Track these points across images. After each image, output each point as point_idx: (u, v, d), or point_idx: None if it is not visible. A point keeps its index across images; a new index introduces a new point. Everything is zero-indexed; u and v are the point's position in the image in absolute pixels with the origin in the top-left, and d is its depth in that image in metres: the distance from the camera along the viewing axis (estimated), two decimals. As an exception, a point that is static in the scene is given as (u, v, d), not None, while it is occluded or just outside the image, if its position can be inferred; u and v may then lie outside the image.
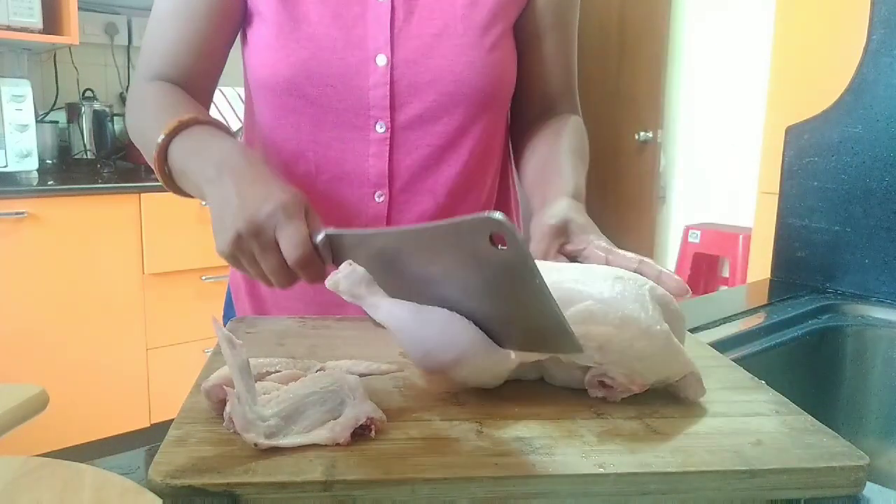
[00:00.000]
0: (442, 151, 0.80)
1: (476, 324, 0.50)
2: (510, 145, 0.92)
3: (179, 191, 0.73)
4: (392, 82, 0.77)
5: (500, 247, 0.43)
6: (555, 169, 0.77)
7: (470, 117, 0.80)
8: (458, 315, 0.50)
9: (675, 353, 0.51)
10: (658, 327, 0.50)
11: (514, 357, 0.51)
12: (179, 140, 0.69)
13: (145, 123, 0.76)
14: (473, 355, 0.49)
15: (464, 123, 0.80)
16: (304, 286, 0.83)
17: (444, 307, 0.51)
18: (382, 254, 0.52)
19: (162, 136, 0.69)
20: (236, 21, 0.81)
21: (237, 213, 0.58)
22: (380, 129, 0.78)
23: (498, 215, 0.42)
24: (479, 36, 0.79)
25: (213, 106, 0.90)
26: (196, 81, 0.81)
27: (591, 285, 0.51)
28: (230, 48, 0.84)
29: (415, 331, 0.50)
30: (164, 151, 0.70)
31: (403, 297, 0.52)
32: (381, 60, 0.77)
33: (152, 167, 0.76)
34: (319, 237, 0.56)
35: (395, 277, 0.52)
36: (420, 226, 0.50)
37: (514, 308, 0.48)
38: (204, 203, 0.66)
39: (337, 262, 0.56)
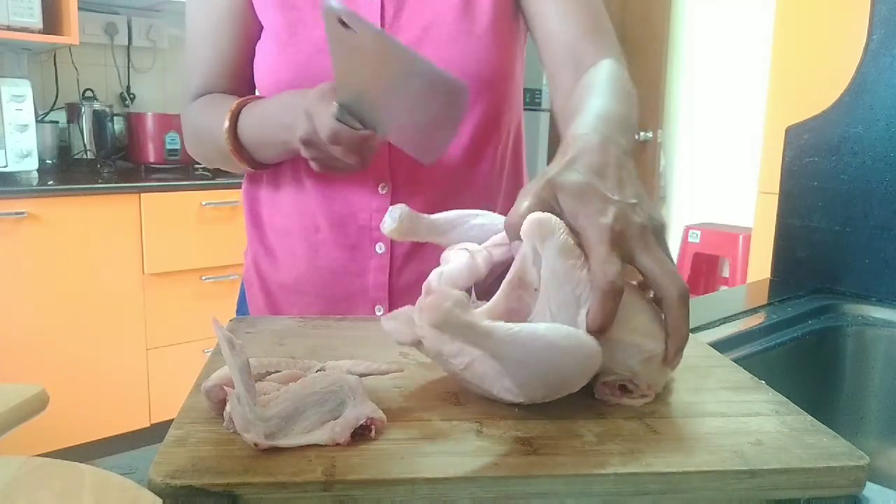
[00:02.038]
0: None
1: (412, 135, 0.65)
2: (522, 131, 0.93)
3: (266, 166, 0.85)
4: None
5: (352, 30, 0.51)
6: (577, 99, 0.66)
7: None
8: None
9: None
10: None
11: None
12: (241, 121, 0.80)
13: (209, 130, 0.84)
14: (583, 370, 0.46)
15: None
16: (314, 280, 0.85)
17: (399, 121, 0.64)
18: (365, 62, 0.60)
19: (227, 123, 0.80)
20: (257, 39, 0.85)
21: (296, 141, 0.71)
22: None
23: (334, 3, 0.50)
24: (471, 23, 0.79)
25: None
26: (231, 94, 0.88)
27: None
28: None
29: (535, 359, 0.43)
30: (234, 136, 0.81)
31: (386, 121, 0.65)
32: None
33: (224, 166, 0.89)
34: (333, 110, 0.64)
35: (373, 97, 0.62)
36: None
37: (419, 97, 0.58)
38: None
39: (366, 125, 0.65)
